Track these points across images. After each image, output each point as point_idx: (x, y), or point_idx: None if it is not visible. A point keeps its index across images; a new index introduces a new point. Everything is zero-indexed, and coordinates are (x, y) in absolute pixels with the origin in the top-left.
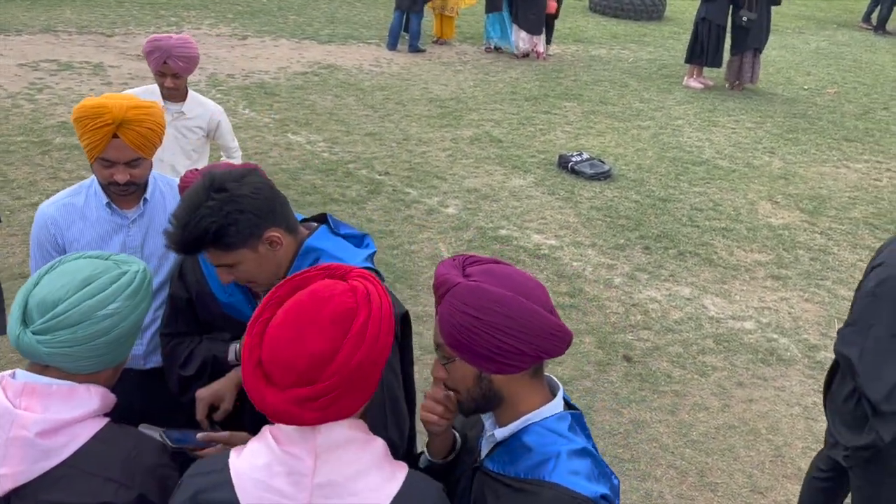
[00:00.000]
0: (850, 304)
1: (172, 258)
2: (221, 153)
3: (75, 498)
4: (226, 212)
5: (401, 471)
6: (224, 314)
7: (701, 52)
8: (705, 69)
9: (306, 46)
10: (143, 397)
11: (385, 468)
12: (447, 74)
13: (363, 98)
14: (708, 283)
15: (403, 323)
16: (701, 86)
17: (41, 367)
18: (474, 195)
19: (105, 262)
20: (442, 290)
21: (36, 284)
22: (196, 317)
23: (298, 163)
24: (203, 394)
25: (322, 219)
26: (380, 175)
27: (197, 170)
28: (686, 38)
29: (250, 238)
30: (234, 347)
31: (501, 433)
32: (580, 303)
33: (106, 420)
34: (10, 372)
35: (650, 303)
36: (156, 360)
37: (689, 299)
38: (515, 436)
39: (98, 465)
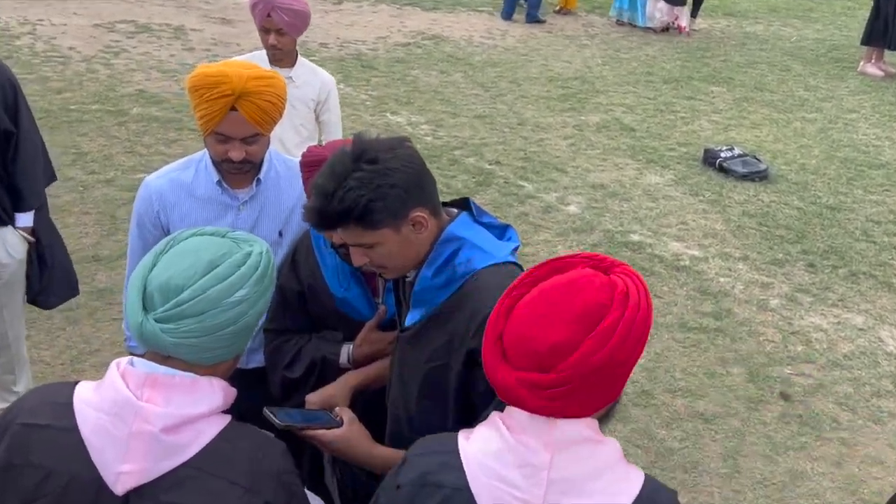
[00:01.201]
0: None
1: (285, 245)
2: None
3: (199, 500)
4: (375, 185)
5: (636, 473)
6: (337, 311)
7: (883, 31)
8: (887, 53)
9: (409, 13)
10: (241, 399)
11: (620, 469)
12: (570, 50)
13: (472, 75)
14: (886, 312)
15: None
16: (881, 73)
17: (162, 356)
18: (601, 192)
19: (225, 241)
20: None
21: (154, 266)
22: (306, 312)
23: None
24: (313, 398)
25: (462, 203)
26: (490, 164)
27: (320, 145)
28: (863, 14)
29: (396, 217)
30: (346, 349)
31: None
32: (728, 326)
33: (229, 417)
34: (127, 359)
35: (814, 331)
36: (258, 360)
37: (862, 330)
38: None
39: (223, 467)
